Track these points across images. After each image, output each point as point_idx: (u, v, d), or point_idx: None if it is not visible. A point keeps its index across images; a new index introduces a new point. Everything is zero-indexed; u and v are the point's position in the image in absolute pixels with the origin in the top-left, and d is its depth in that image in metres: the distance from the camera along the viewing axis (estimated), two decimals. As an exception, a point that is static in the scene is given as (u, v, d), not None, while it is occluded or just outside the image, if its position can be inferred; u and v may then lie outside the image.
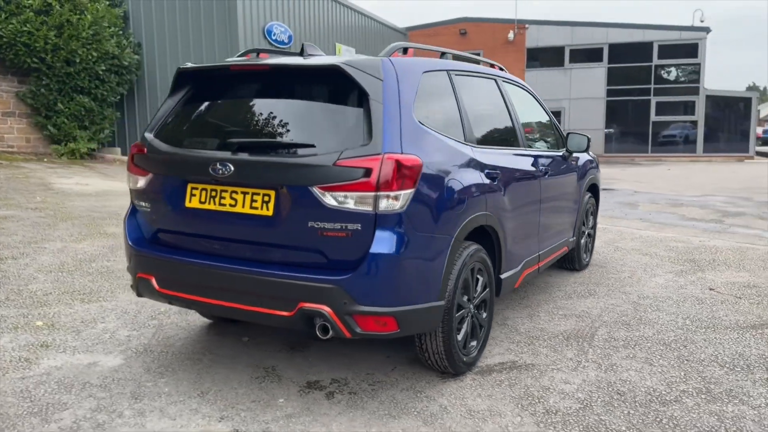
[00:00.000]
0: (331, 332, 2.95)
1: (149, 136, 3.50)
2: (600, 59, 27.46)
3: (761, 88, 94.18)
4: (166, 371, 3.58)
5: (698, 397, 3.35)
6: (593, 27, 27.46)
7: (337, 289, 2.87)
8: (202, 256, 3.25)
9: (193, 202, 3.26)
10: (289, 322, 3.01)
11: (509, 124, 4.40)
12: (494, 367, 3.72)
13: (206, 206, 3.21)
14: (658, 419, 3.11)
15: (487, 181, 3.61)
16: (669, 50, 26.62)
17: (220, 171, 3.09)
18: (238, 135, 3.27)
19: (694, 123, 26.38)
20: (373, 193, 2.84)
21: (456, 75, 3.81)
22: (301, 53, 3.50)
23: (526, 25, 28.11)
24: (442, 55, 3.94)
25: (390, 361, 3.77)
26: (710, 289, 5.44)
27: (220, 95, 3.47)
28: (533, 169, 4.41)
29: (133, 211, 3.61)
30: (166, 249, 3.41)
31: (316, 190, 2.89)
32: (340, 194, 2.87)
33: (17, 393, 3.27)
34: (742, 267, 6.31)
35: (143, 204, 3.48)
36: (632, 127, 27.32)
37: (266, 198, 3.04)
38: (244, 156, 3.08)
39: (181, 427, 2.97)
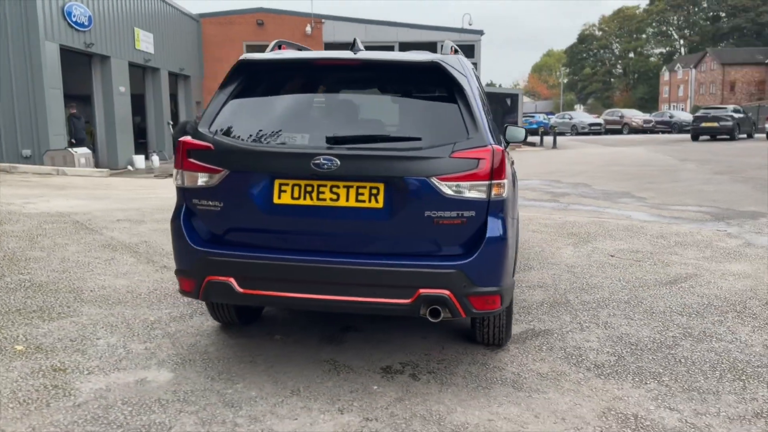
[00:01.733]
0: (442, 315, 3.12)
1: (207, 130, 3.30)
2: (392, 55, 29.06)
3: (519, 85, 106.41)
4: (233, 377, 3.42)
5: (687, 340, 4.10)
6: (385, 26, 28.95)
7: (459, 273, 3.06)
8: (296, 253, 3.19)
9: (283, 198, 3.17)
10: (405, 308, 3.11)
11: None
12: (522, 336, 4.14)
13: (300, 202, 3.16)
14: (676, 359, 3.77)
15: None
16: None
17: (326, 166, 3.07)
18: (334, 129, 3.25)
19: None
20: (487, 182, 3.08)
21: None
22: (352, 48, 3.55)
23: (323, 20, 28.70)
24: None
25: (431, 341, 3.99)
26: (611, 256, 6.42)
27: (297, 88, 3.40)
28: None
29: (188, 211, 3.37)
30: (246, 248, 3.26)
31: (434, 181, 3.04)
32: (457, 184, 3.05)
33: (93, 420, 2.93)
34: (613, 237, 7.47)
35: (210, 203, 3.28)
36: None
37: (374, 191, 3.10)
38: (351, 150, 3.09)
39: (312, 425, 2.93)
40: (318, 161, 3.08)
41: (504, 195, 3.15)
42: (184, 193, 3.36)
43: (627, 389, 3.39)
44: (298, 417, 3.00)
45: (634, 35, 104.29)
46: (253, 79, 3.38)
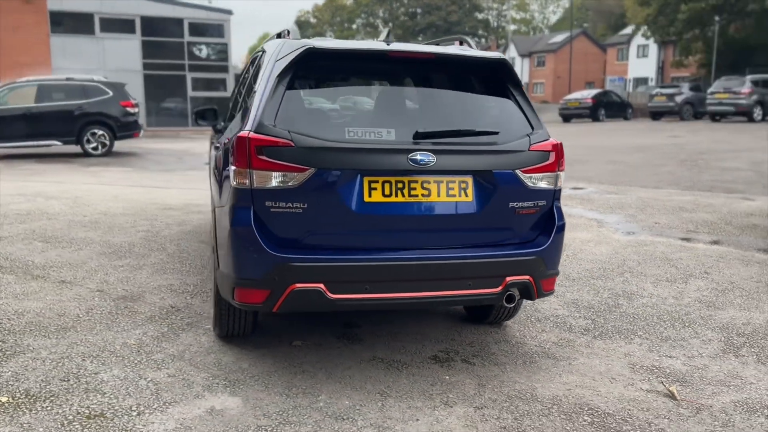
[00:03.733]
0: (516, 300, 3.34)
1: (274, 124, 3.00)
2: (133, 31, 26.91)
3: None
4: (307, 390, 3.20)
5: (621, 299, 4.87)
6: (122, -3, 26.60)
7: (538, 260, 3.30)
8: (388, 252, 3.11)
9: (374, 196, 3.06)
10: (494, 297, 3.25)
11: None
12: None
13: (392, 199, 3.08)
14: (629, 316, 4.49)
15: None
16: (199, 28, 27.96)
17: (423, 161, 3.04)
18: (415, 123, 3.18)
19: (227, 99, 28.55)
20: (555, 173, 3.36)
21: None
22: (387, 38, 3.51)
23: (44, -13, 25.27)
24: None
25: (441, 328, 4.13)
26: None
27: (365, 80, 3.23)
28: None
29: (261, 214, 3.03)
30: (335, 251, 3.06)
31: (519, 173, 3.22)
32: (535, 175, 3.27)
33: (218, 462, 2.56)
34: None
35: (290, 205, 3.00)
36: (172, 102, 27.87)
37: (463, 185, 3.16)
38: (445, 145, 3.10)
39: (438, 423, 2.94)
40: (415, 157, 3.03)
41: (561, 184, 3.45)
42: (252, 194, 3.01)
43: (625, 346, 3.96)
44: (419, 417, 2.98)
45: (345, 24, 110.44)
46: (319, 70, 3.16)
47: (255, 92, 3.25)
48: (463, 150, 3.15)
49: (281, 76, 3.12)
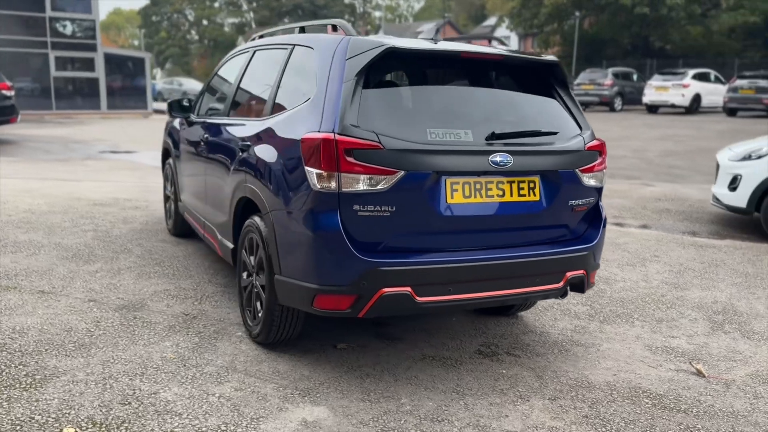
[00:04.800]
0: (568, 293, 3.51)
1: (357, 125, 2.93)
2: (-17, 3, 24.18)
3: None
4: (386, 395, 3.18)
5: (601, 285, 5.22)
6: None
7: (590, 254, 3.48)
8: (468, 252, 3.14)
9: (456, 198, 3.07)
10: (556, 292, 3.39)
11: None
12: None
13: (471, 200, 3.11)
14: (617, 301, 4.85)
15: None
16: (63, 2, 25.66)
17: (502, 162, 3.10)
18: (486, 124, 3.20)
19: (95, 80, 26.55)
20: (602, 171, 3.55)
21: None
22: (434, 36, 3.52)
23: None
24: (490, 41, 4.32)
25: (460, 320, 4.24)
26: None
27: (437, 80, 3.21)
28: None
29: (348, 218, 2.94)
30: (420, 254, 3.04)
31: (578, 172, 3.37)
32: (589, 174, 3.45)
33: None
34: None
35: (379, 208, 2.94)
36: (34, 82, 25.43)
37: (531, 184, 3.26)
38: (519, 146, 3.17)
39: (527, 417, 3.05)
40: (495, 158, 3.08)
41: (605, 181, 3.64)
42: (340, 198, 2.91)
43: (631, 329, 4.28)
44: (507, 413, 3.06)
45: (207, 2, 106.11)
46: (393, 70, 3.11)
47: (317, 91, 3.14)
48: (533, 150, 3.25)
49: (358, 75, 3.03)
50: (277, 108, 3.63)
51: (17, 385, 3.04)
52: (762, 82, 22.67)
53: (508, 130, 3.23)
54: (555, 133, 3.38)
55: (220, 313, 4.11)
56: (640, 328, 4.28)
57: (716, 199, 7.39)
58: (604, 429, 2.96)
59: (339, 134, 2.91)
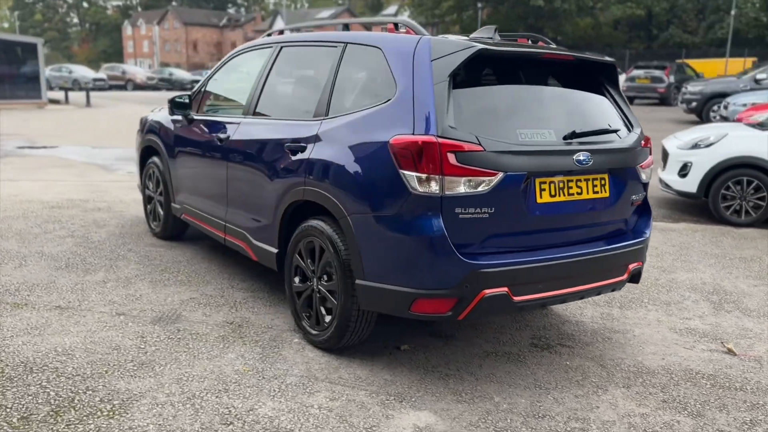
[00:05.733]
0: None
1: (454, 127, 2.93)
2: None
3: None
4: (479, 395, 3.21)
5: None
6: None
7: (644, 246, 3.66)
8: (553, 250, 3.22)
9: (544, 197, 3.14)
10: (622, 284, 3.55)
11: None
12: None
13: (556, 199, 3.19)
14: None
15: None
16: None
17: (584, 162, 3.20)
18: (563, 123, 3.28)
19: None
20: (651, 167, 3.73)
21: None
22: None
23: None
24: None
25: (506, 318, 4.33)
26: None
27: (517, 81, 3.24)
28: None
29: (450, 221, 2.92)
30: (514, 254, 3.09)
31: (638, 168, 3.54)
32: (644, 170, 3.62)
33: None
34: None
35: (479, 210, 2.95)
36: None
37: (602, 181, 3.38)
38: (595, 145, 3.28)
39: (615, 406, 3.18)
40: (579, 157, 3.18)
41: None
42: (442, 202, 2.90)
43: (648, 313, 4.55)
44: (598, 405, 3.18)
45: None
46: (479, 70, 3.12)
47: (399, 93, 3.10)
48: (605, 149, 3.36)
49: (450, 77, 3.01)
50: (335, 108, 3.53)
51: (99, 414, 2.82)
52: (656, 72, 24.36)
53: (580, 128, 3.33)
54: (618, 131, 3.51)
55: (264, 319, 3.97)
56: (656, 312, 4.54)
57: (666, 185, 7.90)
58: (686, 411, 3.14)
59: (441, 137, 2.89)
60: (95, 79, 38.17)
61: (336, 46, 3.73)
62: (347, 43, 3.67)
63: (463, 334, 3.95)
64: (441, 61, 3.06)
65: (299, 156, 3.59)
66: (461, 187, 2.91)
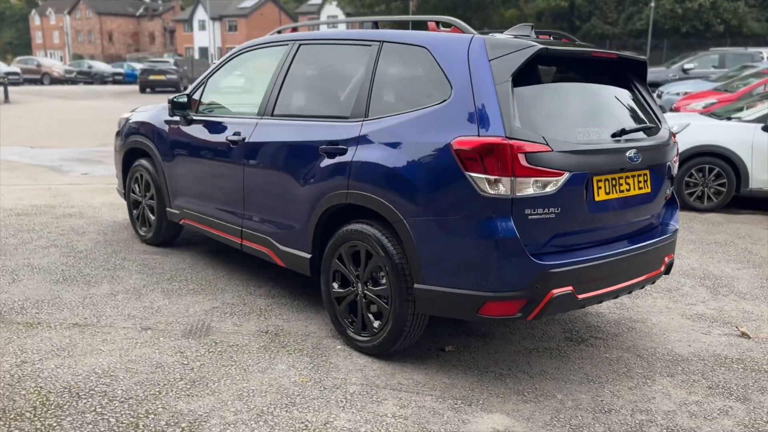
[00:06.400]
0: None
1: (520, 127, 2.94)
2: None
3: None
4: (538, 393, 3.25)
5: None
6: None
7: (675, 238, 3.79)
8: (608, 247, 3.29)
9: (600, 195, 3.19)
10: (659, 277, 3.66)
11: None
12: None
13: (610, 196, 3.25)
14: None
15: None
16: None
17: (635, 159, 3.28)
18: (610, 121, 3.35)
19: None
20: (678, 161, 3.86)
21: None
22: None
23: None
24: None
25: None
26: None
27: (568, 80, 3.27)
28: None
29: (519, 223, 2.92)
30: (576, 253, 3.12)
31: (671, 163, 3.65)
32: (674, 164, 3.74)
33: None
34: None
35: (547, 210, 2.97)
36: None
37: (645, 177, 3.46)
38: (642, 142, 3.37)
39: (669, 396, 3.29)
40: (630, 155, 3.25)
41: None
42: (513, 203, 2.89)
43: (655, 302, 4.71)
44: (654, 396, 3.27)
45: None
46: (536, 70, 3.13)
47: (455, 94, 3.08)
48: (647, 146, 3.45)
49: (512, 77, 3.00)
50: (375, 109, 3.46)
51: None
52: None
53: (628, 126, 3.41)
54: (656, 127, 3.61)
55: (297, 326, 3.87)
56: (662, 300, 4.72)
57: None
58: (733, 397, 3.28)
59: (510, 138, 2.88)
60: (8, 73, 35.89)
61: (370, 45, 3.64)
62: (383, 41, 3.59)
63: (498, 331, 3.98)
64: (500, 61, 3.04)
65: (339, 159, 3.50)
66: (530, 188, 2.92)
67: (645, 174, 3.47)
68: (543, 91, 3.25)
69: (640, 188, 3.43)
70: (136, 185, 5.53)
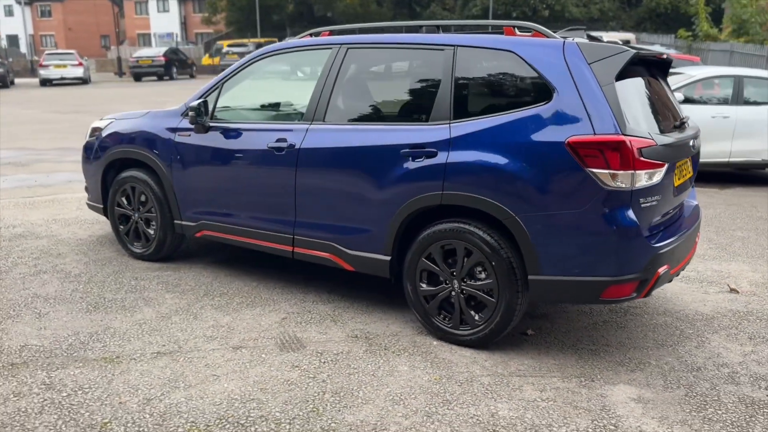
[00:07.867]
0: None
1: (629, 124, 3.28)
2: None
3: None
4: (629, 369, 3.63)
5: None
6: None
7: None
8: (678, 227, 3.75)
9: (677, 181, 3.64)
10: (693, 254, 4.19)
11: None
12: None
13: (680, 181, 3.71)
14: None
15: None
16: None
17: (695, 147, 3.77)
18: (668, 114, 3.78)
19: None
20: (692, 147, 4.42)
21: None
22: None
23: None
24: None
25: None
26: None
27: (643, 79, 3.66)
28: None
29: (636, 212, 3.26)
30: (665, 234, 3.55)
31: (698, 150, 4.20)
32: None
33: None
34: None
35: (653, 198, 3.36)
36: None
37: (689, 163, 3.96)
38: (689, 131, 3.87)
39: (727, 351, 3.83)
40: (692, 144, 3.72)
41: None
42: (632, 195, 3.23)
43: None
44: (720, 352, 3.79)
45: None
46: (626, 72, 3.46)
47: (560, 96, 3.32)
48: (693, 134, 3.93)
49: (616, 78, 3.31)
50: (461, 112, 3.61)
51: None
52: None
53: (676, 118, 3.87)
54: (687, 117, 4.12)
55: (380, 327, 3.94)
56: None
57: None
58: (766, 344, 3.88)
59: (628, 135, 3.19)
60: None
61: (443, 49, 3.74)
62: (457, 45, 3.72)
63: (555, 311, 4.31)
64: (600, 64, 3.34)
65: (429, 161, 3.60)
66: (644, 179, 3.26)
67: (689, 160, 3.96)
68: (630, 90, 3.59)
69: (689, 173, 3.92)
70: (124, 198, 5.15)
